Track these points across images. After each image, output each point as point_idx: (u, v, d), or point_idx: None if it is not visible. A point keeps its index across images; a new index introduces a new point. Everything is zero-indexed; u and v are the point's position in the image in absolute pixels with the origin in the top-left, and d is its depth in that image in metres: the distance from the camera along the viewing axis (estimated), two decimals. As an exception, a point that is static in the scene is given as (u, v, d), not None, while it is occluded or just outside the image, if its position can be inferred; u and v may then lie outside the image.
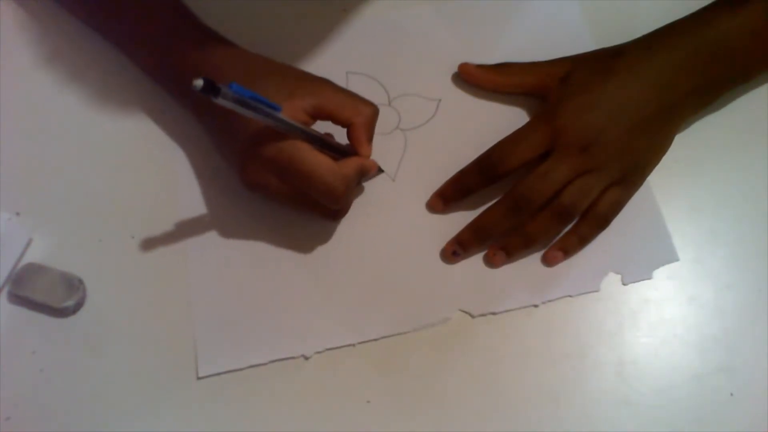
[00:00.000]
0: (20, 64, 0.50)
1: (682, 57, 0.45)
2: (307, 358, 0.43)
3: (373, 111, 0.43)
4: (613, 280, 0.46)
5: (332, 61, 0.50)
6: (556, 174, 0.44)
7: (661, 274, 0.46)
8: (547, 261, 0.46)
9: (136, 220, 0.46)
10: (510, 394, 0.43)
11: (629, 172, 0.45)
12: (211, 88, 0.32)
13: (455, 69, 0.50)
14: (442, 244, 0.46)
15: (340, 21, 0.52)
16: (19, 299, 0.44)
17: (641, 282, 0.46)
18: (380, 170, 0.47)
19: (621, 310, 0.45)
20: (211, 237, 0.46)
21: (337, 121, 0.43)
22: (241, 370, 0.43)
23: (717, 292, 0.45)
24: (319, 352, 0.43)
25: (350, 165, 0.42)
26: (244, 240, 0.46)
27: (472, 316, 0.45)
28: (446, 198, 0.47)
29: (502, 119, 0.48)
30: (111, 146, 0.48)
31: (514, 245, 0.45)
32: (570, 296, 0.45)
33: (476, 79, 0.50)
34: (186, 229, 0.46)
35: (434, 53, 0.51)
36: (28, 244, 0.45)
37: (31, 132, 0.48)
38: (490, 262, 0.46)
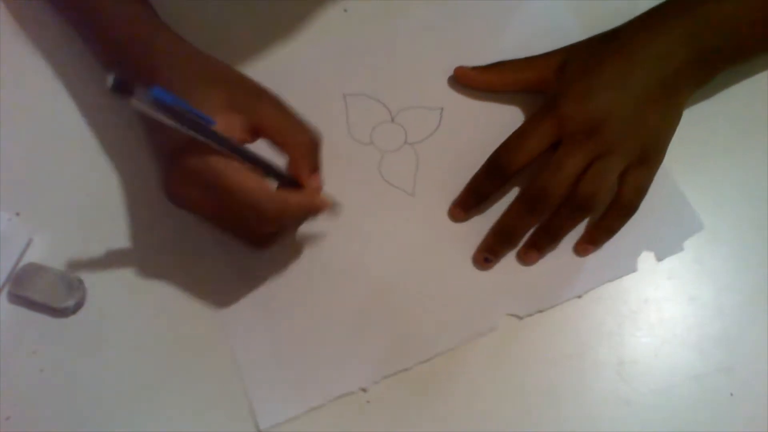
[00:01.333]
0: (20, 64, 0.50)
1: (679, 31, 0.44)
2: (365, 391, 0.43)
3: (310, 140, 0.39)
4: (613, 280, 0.46)
5: (328, 84, 0.49)
6: (569, 164, 0.43)
7: (661, 274, 0.46)
8: (578, 254, 0.45)
9: (136, 220, 0.46)
10: (510, 394, 0.43)
11: (645, 149, 0.44)
12: (123, 87, 0.27)
13: (452, 74, 0.49)
14: (473, 250, 0.46)
15: (338, 21, 0.51)
16: (19, 299, 0.44)
17: (641, 282, 0.45)
18: (336, 207, 0.42)
19: (621, 310, 0.45)
20: (244, 283, 0.44)
21: (275, 146, 0.39)
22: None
23: (717, 292, 0.45)
24: (376, 382, 0.43)
25: (294, 195, 0.39)
26: (276, 275, 0.45)
27: (520, 318, 0.44)
28: (465, 206, 0.46)
29: (507, 117, 0.48)
30: (111, 146, 0.48)
31: (543, 241, 0.45)
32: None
33: (473, 81, 0.49)
34: (186, 229, 0.46)
35: (429, 61, 0.50)
36: (28, 244, 0.45)
37: (31, 132, 0.48)
38: (523, 261, 0.45)
